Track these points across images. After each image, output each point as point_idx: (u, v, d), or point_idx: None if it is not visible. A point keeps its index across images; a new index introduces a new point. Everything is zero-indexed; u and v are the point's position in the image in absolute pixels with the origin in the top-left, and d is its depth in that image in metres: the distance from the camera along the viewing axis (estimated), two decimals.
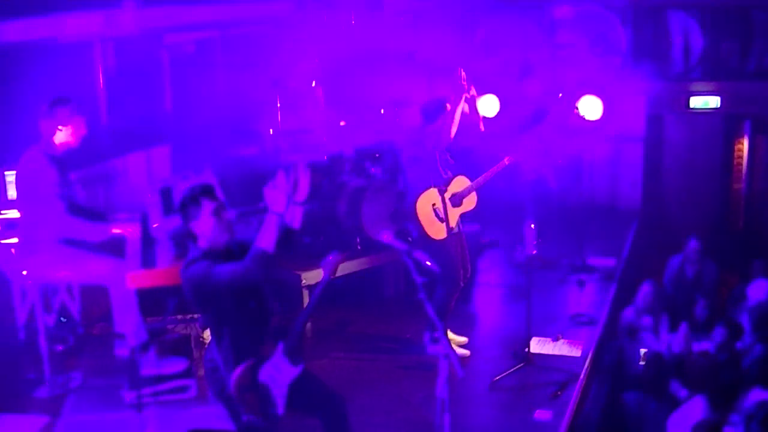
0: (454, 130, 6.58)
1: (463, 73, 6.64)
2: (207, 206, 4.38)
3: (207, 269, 4.27)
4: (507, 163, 6.72)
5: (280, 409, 4.47)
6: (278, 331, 4.56)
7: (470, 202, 6.82)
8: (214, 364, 4.48)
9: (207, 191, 4.43)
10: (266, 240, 4.23)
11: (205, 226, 4.39)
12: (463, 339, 7.08)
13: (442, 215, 6.64)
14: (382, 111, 9.01)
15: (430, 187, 6.64)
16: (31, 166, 5.68)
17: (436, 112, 6.69)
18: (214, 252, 4.39)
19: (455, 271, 6.70)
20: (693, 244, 9.02)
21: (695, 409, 6.48)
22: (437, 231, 6.64)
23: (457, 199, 6.72)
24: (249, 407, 4.37)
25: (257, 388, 4.39)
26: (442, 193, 6.65)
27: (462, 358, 6.67)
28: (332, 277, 4.76)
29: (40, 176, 5.61)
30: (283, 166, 4.46)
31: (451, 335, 6.85)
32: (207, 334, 6.05)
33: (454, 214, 6.73)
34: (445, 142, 6.61)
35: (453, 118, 6.55)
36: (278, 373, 4.49)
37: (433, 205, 6.64)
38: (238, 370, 4.36)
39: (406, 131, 7.75)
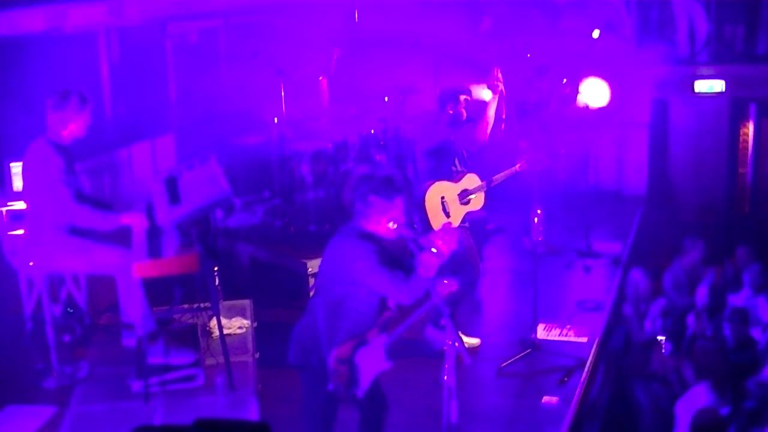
0: (489, 128, 6.56)
1: (498, 74, 6.61)
2: (396, 203, 4.55)
3: (377, 264, 4.45)
4: (518, 170, 6.70)
5: (362, 392, 4.59)
6: (385, 324, 4.67)
7: (478, 202, 6.76)
8: (311, 328, 4.61)
9: (399, 187, 4.61)
10: (410, 297, 4.49)
11: (378, 217, 4.54)
12: (476, 341, 6.96)
13: (449, 209, 6.61)
14: (386, 98, 8.99)
15: (442, 180, 6.61)
16: (37, 155, 5.67)
17: (449, 100, 6.69)
18: (375, 239, 4.56)
19: (475, 260, 6.68)
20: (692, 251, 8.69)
21: (700, 395, 6.48)
22: (440, 224, 6.57)
23: (464, 197, 6.68)
24: (337, 378, 4.51)
25: (351, 365, 4.52)
26: (452, 187, 6.62)
27: (472, 348, 6.62)
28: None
29: (47, 165, 5.60)
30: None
31: (464, 338, 6.71)
32: (213, 324, 6.05)
33: (460, 212, 6.67)
34: (481, 140, 6.59)
35: (488, 116, 6.54)
36: (373, 361, 4.61)
37: (442, 198, 6.59)
38: (345, 345, 4.50)
39: (421, 119, 7.74)
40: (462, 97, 6.75)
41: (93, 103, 5.88)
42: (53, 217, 5.68)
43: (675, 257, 8.94)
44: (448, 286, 4.62)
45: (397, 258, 4.62)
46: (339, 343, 4.52)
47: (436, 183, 6.58)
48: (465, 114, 6.76)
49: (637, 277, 8.13)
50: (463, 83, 7.00)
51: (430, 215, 6.55)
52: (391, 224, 4.54)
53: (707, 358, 6.91)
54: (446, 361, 4.41)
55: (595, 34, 9.52)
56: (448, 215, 6.58)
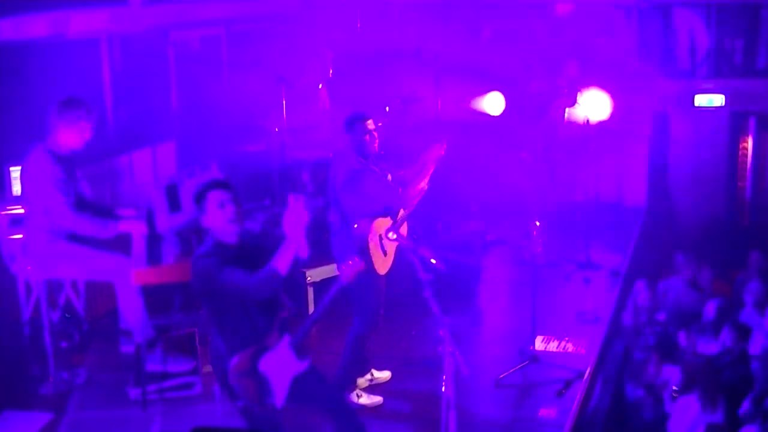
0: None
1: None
2: (212, 199, 4.44)
3: (215, 269, 4.33)
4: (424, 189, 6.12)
5: (279, 401, 4.48)
6: (285, 325, 4.57)
7: (404, 228, 6.15)
8: (218, 352, 4.53)
9: (214, 185, 4.50)
10: (282, 263, 4.33)
11: (212, 219, 4.45)
12: (386, 375, 6.53)
13: (385, 247, 5.96)
14: (387, 108, 8.99)
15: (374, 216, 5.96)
16: (36, 165, 5.66)
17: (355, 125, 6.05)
18: (224, 246, 4.45)
19: (377, 310, 6.08)
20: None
21: (689, 408, 6.48)
22: (382, 265, 5.99)
23: (394, 230, 5.70)
24: (245, 393, 4.41)
25: (256, 376, 4.41)
26: (384, 222, 5.95)
27: (376, 406, 6.14)
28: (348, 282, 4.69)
29: (46, 176, 5.59)
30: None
31: (375, 373, 6.42)
32: None
33: (391, 247, 6.03)
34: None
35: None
36: (282, 366, 4.51)
37: (380, 236, 5.89)
38: (237, 357, 4.41)
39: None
40: (368, 123, 6.04)
41: (97, 116, 5.87)
42: (52, 225, 5.68)
43: (669, 272, 8.93)
44: (353, 266, 4.56)
45: (258, 257, 4.42)
46: (234, 356, 4.41)
47: (375, 221, 5.90)
48: (375, 143, 6.05)
49: (639, 288, 8.13)
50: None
51: (374, 258, 5.89)
52: (226, 216, 4.39)
53: (696, 372, 6.90)
54: (444, 372, 4.41)
55: None
56: (385, 254, 5.98)
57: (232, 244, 4.48)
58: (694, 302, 8.25)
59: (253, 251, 4.46)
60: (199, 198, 4.48)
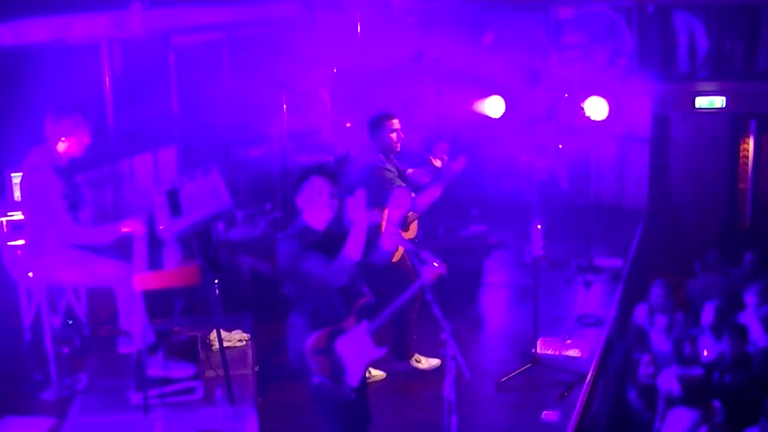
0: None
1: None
2: (315, 184, 4.59)
3: (298, 254, 4.51)
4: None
5: (355, 380, 4.58)
6: (363, 311, 4.65)
7: (413, 228, 6.40)
8: (295, 328, 4.63)
9: (319, 171, 4.64)
10: (353, 250, 4.49)
11: (307, 203, 4.61)
12: (381, 374, 6.59)
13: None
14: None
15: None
16: (35, 172, 5.61)
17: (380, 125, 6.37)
18: (311, 231, 4.61)
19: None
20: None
21: (681, 417, 6.49)
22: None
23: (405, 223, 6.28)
24: (320, 369, 4.52)
25: (331, 355, 4.53)
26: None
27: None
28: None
29: (46, 184, 5.54)
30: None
31: (373, 371, 6.46)
32: (213, 336, 6.04)
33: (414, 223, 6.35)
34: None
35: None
36: (358, 349, 4.60)
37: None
38: (315, 334, 4.52)
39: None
40: (394, 123, 6.36)
41: (95, 117, 5.86)
42: (53, 232, 5.66)
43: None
44: (437, 269, 4.58)
45: (339, 245, 4.56)
46: (311, 334, 4.54)
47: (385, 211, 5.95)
48: (399, 142, 6.38)
49: (659, 289, 8.10)
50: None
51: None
52: (323, 203, 4.56)
53: (692, 385, 6.91)
54: (447, 376, 4.41)
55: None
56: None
57: (319, 230, 4.62)
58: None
59: (337, 239, 4.58)
60: (302, 178, 4.63)
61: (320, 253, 4.53)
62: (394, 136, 6.37)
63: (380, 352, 4.71)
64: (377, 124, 6.40)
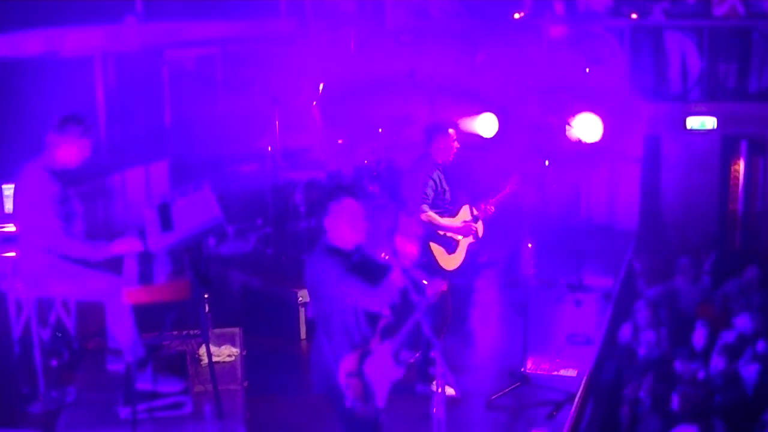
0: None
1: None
2: (346, 206, 4.56)
3: (341, 274, 4.47)
4: (509, 192, 6.73)
5: (381, 402, 4.59)
6: (385, 331, 4.65)
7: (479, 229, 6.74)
8: (320, 351, 4.62)
9: (351, 193, 4.63)
10: (380, 303, 4.53)
11: (336, 224, 4.58)
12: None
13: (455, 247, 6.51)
14: (380, 130, 9.03)
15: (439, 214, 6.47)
16: (32, 181, 5.62)
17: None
18: (342, 252, 4.57)
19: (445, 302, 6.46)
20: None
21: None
22: (448, 261, 6.49)
23: None
24: (353, 392, 4.49)
25: (362, 377, 4.52)
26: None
27: None
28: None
29: (43, 194, 5.55)
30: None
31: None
32: (203, 351, 6.02)
33: (464, 244, 6.61)
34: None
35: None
36: (383, 370, 4.60)
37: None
38: (349, 358, 4.50)
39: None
40: (452, 133, 6.61)
41: (95, 134, 5.86)
42: (43, 243, 5.65)
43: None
44: (438, 285, 4.62)
45: (371, 269, 4.60)
46: (343, 357, 4.52)
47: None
48: (453, 152, 6.60)
49: (642, 307, 8.11)
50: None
51: (435, 253, 6.43)
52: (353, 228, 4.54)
53: (690, 402, 6.89)
54: (436, 394, 4.41)
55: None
56: (453, 251, 6.53)
57: (347, 251, 4.58)
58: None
59: (367, 261, 4.59)
60: (330, 198, 4.60)
61: (357, 276, 4.51)
62: (451, 144, 6.46)
63: (401, 372, 4.70)
64: (434, 132, 6.48)
